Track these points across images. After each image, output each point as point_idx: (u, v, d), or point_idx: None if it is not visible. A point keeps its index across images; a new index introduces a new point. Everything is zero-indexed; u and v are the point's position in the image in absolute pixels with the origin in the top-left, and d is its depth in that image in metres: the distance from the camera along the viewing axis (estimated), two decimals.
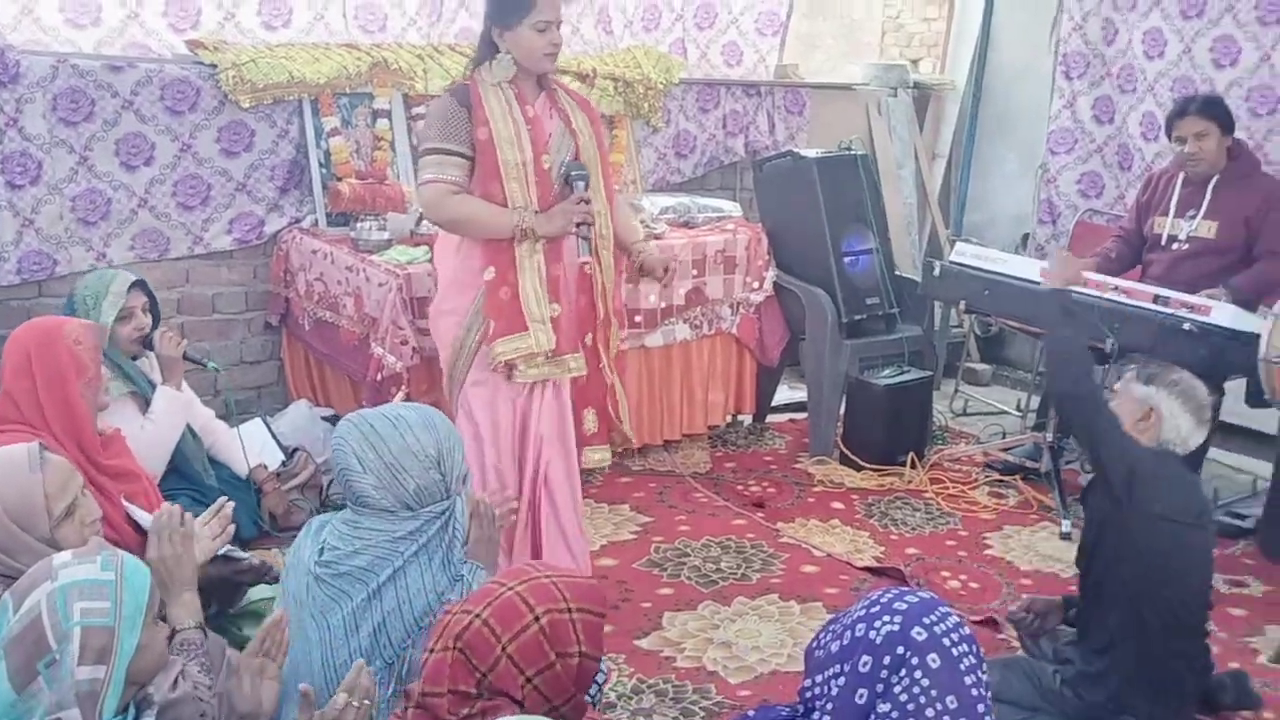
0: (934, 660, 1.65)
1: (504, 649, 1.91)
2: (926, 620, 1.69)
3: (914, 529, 4.34)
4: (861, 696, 1.68)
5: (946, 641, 1.67)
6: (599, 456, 3.48)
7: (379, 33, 4.90)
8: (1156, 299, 4.14)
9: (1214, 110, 4.36)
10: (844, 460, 4.90)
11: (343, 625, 2.23)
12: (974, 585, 3.90)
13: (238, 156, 4.52)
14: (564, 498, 3.39)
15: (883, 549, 4.14)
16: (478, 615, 1.94)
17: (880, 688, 1.66)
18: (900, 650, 1.66)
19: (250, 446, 3.96)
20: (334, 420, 4.31)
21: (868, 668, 1.68)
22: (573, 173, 3.22)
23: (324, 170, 4.63)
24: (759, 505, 4.45)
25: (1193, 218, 4.48)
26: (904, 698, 1.64)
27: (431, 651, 1.97)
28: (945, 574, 3.97)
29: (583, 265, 3.26)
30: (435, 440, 2.31)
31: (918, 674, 1.65)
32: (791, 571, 3.92)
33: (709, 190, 5.77)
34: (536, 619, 1.94)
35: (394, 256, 4.16)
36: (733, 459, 4.98)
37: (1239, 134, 4.57)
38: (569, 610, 1.95)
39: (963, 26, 6.72)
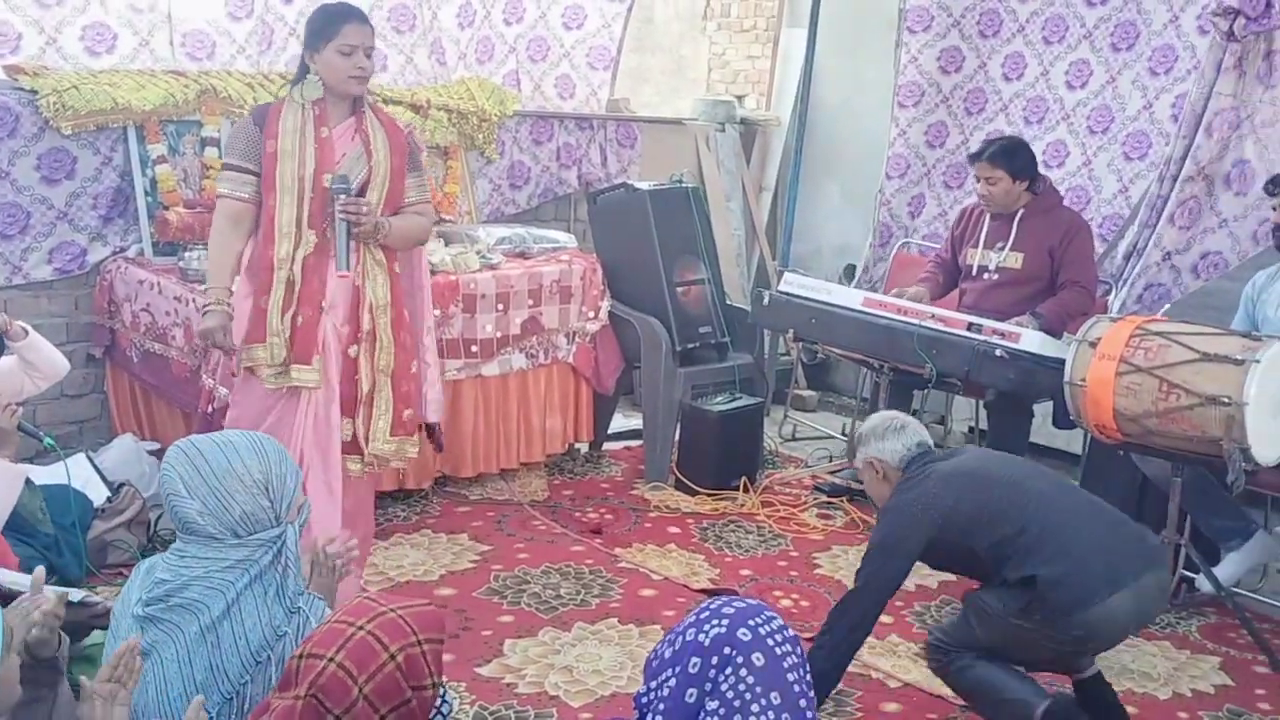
0: (758, 659, 1.73)
1: (361, 691, 1.89)
2: (752, 622, 1.77)
3: (747, 551, 4.46)
4: (691, 696, 1.75)
5: (770, 642, 1.75)
6: (351, 466, 3.51)
7: (207, 60, 4.83)
8: (970, 326, 4.36)
9: (1002, 160, 4.61)
10: (679, 486, 5.00)
11: (176, 660, 2.17)
12: (805, 604, 4.02)
13: (59, 184, 4.39)
14: (318, 506, 3.33)
15: (718, 571, 4.23)
16: (331, 659, 1.91)
17: (709, 686, 1.73)
18: (727, 650, 1.74)
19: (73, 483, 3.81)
20: (161, 454, 4.19)
21: (697, 669, 1.76)
22: (334, 186, 3.33)
23: (150, 198, 4.52)
24: (597, 532, 4.50)
25: (1001, 249, 4.74)
26: (730, 694, 1.72)
27: (278, 696, 1.94)
28: (778, 594, 4.08)
29: (340, 278, 3.38)
30: (263, 466, 2.27)
31: (743, 672, 1.73)
32: (630, 595, 3.98)
33: (543, 221, 5.84)
34: (392, 657, 1.93)
35: None
36: (570, 486, 5.03)
37: (1075, 148, 4.90)
38: (419, 643, 1.95)
39: (786, 64, 6.97)
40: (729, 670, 1.74)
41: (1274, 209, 4.01)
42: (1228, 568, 4.05)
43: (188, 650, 2.18)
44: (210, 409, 3.86)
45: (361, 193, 3.37)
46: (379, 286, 3.44)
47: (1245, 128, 4.56)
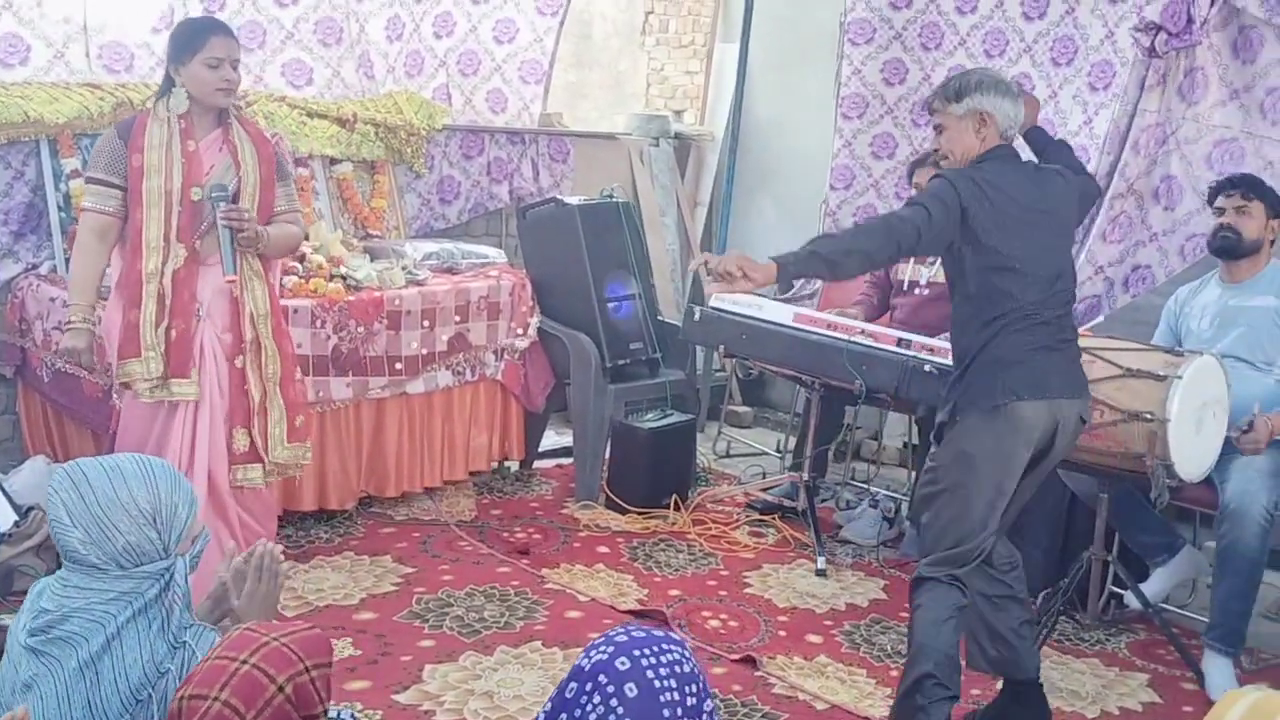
0: (631, 689, 1.67)
1: None
2: (636, 652, 1.71)
3: (677, 570, 4.40)
4: None
5: (651, 674, 1.69)
6: (250, 475, 3.57)
7: (125, 73, 4.71)
8: (900, 342, 4.34)
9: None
10: (609, 504, 4.94)
11: (55, 696, 2.07)
12: (734, 624, 3.98)
13: None
14: (206, 519, 3.36)
15: (646, 592, 4.18)
16: (216, 698, 1.84)
17: (578, 713, 1.67)
18: (601, 678, 1.68)
19: None
20: None
21: (572, 693, 1.70)
22: (213, 194, 3.39)
23: (63, 214, 4.39)
24: (524, 552, 4.43)
25: (932, 264, 4.73)
26: None
27: None
28: (706, 614, 4.03)
29: (228, 283, 3.43)
30: (152, 495, 2.15)
31: (614, 702, 1.66)
32: (555, 618, 3.91)
33: (474, 237, 5.77)
34: (280, 688, 1.87)
35: None
36: (499, 506, 4.95)
37: None
38: (307, 670, 1.89)
39: (720, 80, 6.96)
40: (599, 699, 1.68)
41: (1219, 210, 3.98)
42: (1156, 584, 4.05)
43: (66, 686, 2.07)
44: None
45: (198, 208, 3.42)
46: (258, 296, 3.53)
47: (1170, 144, 4.58)
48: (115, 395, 3.79)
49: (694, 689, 1.75)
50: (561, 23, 6.00)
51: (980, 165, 3.10)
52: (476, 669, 3.52)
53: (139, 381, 3.40)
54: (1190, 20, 4.26)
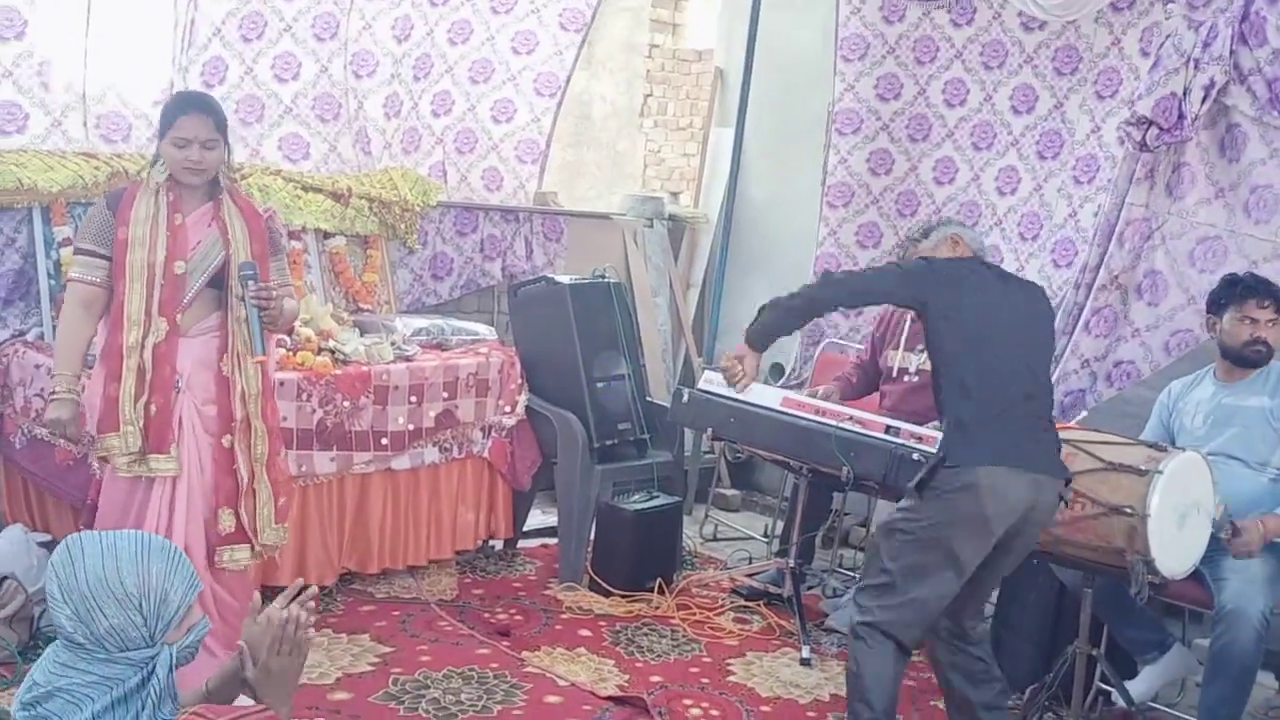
0: None
1: None
2: None
3: (659, 656, 4.34)
4: None
5: None
6: (237, 556, 3.53)
7: (123, 142, 4.75)
8: (888, 429, 4.32)
9: None
10: (593, 586, 4.88)
11: None
12: (715, 713, 3.91)
13: None
14: None
15: (627, 677, 4.11)
16: None
17: None
18: None
19: None
20: (51, 546, 4.02)
21: None
22: (243, 273, 3.38)
23: (53, 282, 4.40)
24: (505, 634, 4.37)
25: (921, 351, 4.72)
26: None
27: None
28: (688, 701, 3.97)
29: (258, 363, 3.43)
30: (140, 579, 2.06)
31: None
32: (534, 702, 3.84)
33: (466, 313, 5.77)
34: None
35: None
36: (481, 585, 4.89)
37: (1008, 254, 5.18)
38: None
39: (715, 163, 7.02)
40: None
41: (1249, 320, 3.90)
42: (1144, 682, 3.99)
43: None
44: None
45: (182, 282, 3.40)
46: (250, 375, 3.49)
47: (1156, 238, 4.61)
48: (94, 465, 3.77)
49: None
50: (559, 104, 6.08)
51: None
52: None
53: (118, 456, 3.37)
54: (1182, 116, 4.31)
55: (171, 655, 2.11)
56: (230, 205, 3.50)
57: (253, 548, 3.54)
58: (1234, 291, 3.96)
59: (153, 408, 3.37)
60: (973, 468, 3.05)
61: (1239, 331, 3.93)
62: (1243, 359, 3.95)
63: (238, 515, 3.49)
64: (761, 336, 3.47)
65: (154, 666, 2.09)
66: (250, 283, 3.37)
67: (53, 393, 3.43)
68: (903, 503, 3.25)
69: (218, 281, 3.45)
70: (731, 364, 3.55)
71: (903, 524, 3.14)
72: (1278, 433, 3.85)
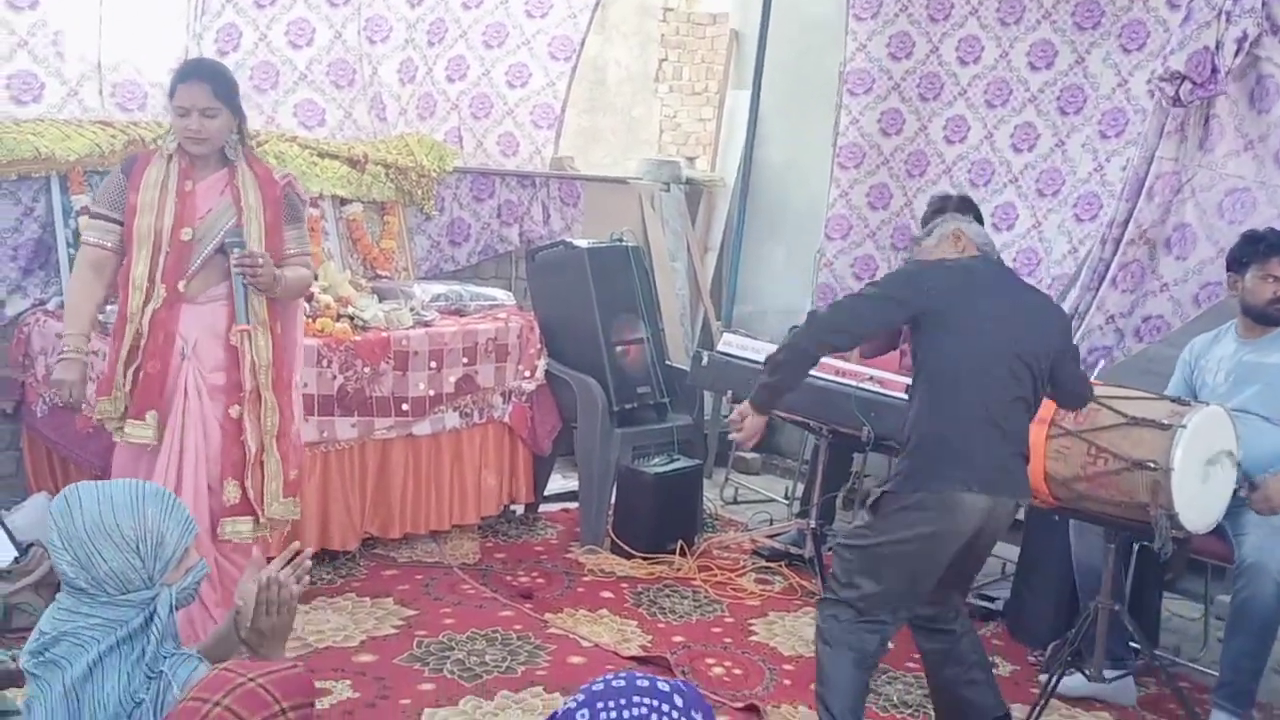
0: None
1: None
2: (600, 704, 1.63)
3: (681, 617, 4.35)
4: None
5: None
6: (240, 529, 3.47)
7: (138, 111, 4.76)
8: (908, 389, 4.30)
9: (968, 210, 4.58)
10: (614, 549, 4.89)
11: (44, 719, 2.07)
12: (738, 672, 3.92)
13: None
14: None
15: (650, 638, 4.13)
16: None
17: None
18: None
19: None
20: None
21: None
22: (227, 241, 3.35)
23: (72, 250, 4.40)
24: (527, 596, 4.39)
25: None
26: None
27: None
28: (710, 661, 3.98)
29: (231, 334, 3.38)
30: (137, 523, 2.14)
31: None
32: (558, 663, 3.87)
33: (483, 279, 5.77)
34: None
35: None
36: (503, 549, 4.91)
37: (1024, 210, 5.10)
38: (283, 712, 1.85)
39: (732, 127, 6.98)
40: None
41: (1273, 277, 3.87)
42: (1079, 683, 3.88)
43: (52, 711, 2.07)
44: None
45: (188, 249, 3.36)
46: (261, 346, 3.44)
47: (1185, 192, 4.57)
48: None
49: None
50: (574, 68, 6.04)
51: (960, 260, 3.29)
52: (477, 713, 3.48)
53: (109, 420, 3.38)
54: (1215, 69, 4.25)
55: (171, 596, 2.20)
56: (246, 172, 3.44)
57: (257, 520, 3.47)
58: (1256, 250, 3.91)
59: (141, 373, 3.35)
60: (926, 493, 3.00)
61: (1261, 290, 3.89)
62: (1265, 317, 3.91)
63: (244, 487, 3.44)
64: (767, 404, 3.28)
65: (155, 607, 2.17)
66: (235, 250, 3.33)
67: (60, 353, 3.42)
68: (859, 520, 3.22)
69: (221, 244, 3.39)
70: (735, 423, 3.35)
71: (860, 542, 3.11)
72: None
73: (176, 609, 2.19)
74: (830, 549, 4.94)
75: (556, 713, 1.67)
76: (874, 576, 3.06)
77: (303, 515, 3.79)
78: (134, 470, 3.36)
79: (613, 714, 1.62)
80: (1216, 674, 3.77)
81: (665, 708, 1.66)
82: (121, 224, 3.37)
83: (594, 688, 1.66)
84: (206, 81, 3.35)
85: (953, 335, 3.07)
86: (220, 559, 3.46)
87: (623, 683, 1.67)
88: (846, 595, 3.09)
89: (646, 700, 1.66)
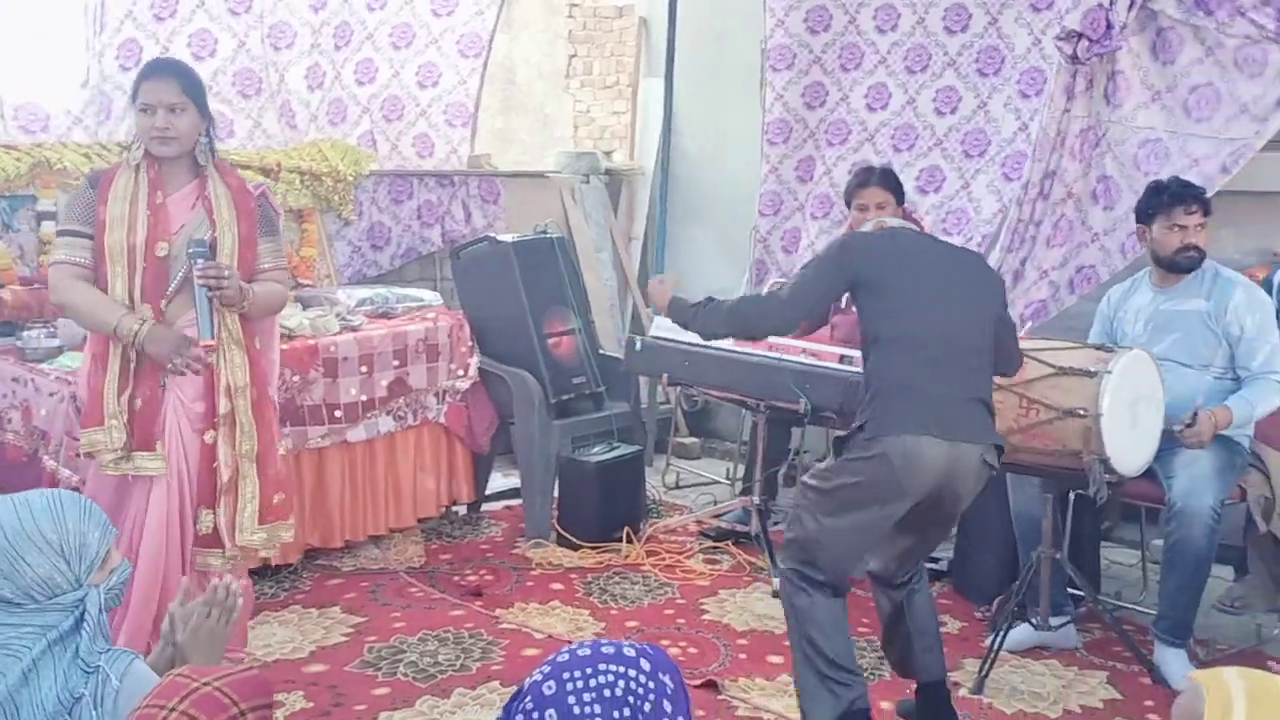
0: (551, 716, 1.59)
1: None
2: (566, 675, 1.62)
3: (633, 602, 4.36)
4: None
5: (573, 700, 1.60)
6: (210, 560, 3.28)
7: (41, 132, 4.64)
8: (842, 359, 4.36)
9: (892, 182, 4.65)
10: (561, 541, 4.88)
11: None
12: (693, 650, 3.93)
13: None
14: (138, 598, 3.14)
15: (604, 625, 4.12)
16: None
17: None
18: (528, 701, 1.61)
19: None
20: None
21: (505, 714, 1.64)
22: (190, 250, 3.15)
23: None
24: (477, 594, 4.36)
25: None
26: None
27: None
28: (665, 642, 3.98)
29: (204, 349, 3.17)
30: (59, 526, 2.13)
31: None
32: (512, 657, 3.85)
33: (408, 282, 5.71)
34: None
35: (65, 363, 3.89)
36: (449, 550, 4.88)
37: (951, 172, 5.11)
38: (242, 714, 1.83)
39: (647, 115, 6.99)
40: None
41: (1179, 227, 3.93)
42: (1023, 634, 3.96)
43: None
44: None
45: (164, 265, 3.18)
46: (236, 366, 3.26)
47: (1103, 146, 4.66)
48: (46, 457, 3.70)
49: (625, 713, 1.62)
50: (485, 64, 6.02)
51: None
52: (434, 713, 3.45)
53: (103, 453, 3.16)
54: (1110, 26, 4.34)
55: (100, 595, 2.18)
56: (218, 183, 3.27)
57: (224, 551, 3.28)
58: (1160, 200, 3.98)
59: (138, 401, 3.17)
60: (886, 437, 3.00)
61: (1169, 240, 3.96)
62: (1175, 265, 3.98)
63: (215, 515, 3.27)
64: (680, 316, 3.38)
65: (84, 607, 2.16)
66: (199, 260, 3.12)
67: (136, 333, 3.12)
68: (822, 463, 3.25)
69: (187, 251, 3.18)
70: (654, 288, 3.51)
71: (820, 483, 3.13)
72: (1216, 334, 3.91)
73: (105, 610, 2.17)
74: (777, 523, 5.05)
75: (523, 687, 1.66)
76: (828, 516, 3.07)
77: (274, 555, 3.63)
78: (120, 503, 3.19)
79: (579, 684, 1.61)
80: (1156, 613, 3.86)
81: (632, 673, 1.65)
82: (93, 238, 3.17)
83: (559, 659, 1.64)
84: (173, 76, 3.20)
85: (896, 292, 3.12)
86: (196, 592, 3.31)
87: (588, 651, 1.66)
88: (803, 533, 3.12)
89: (613, 667, 1.65)
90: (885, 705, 3.52)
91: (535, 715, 1.57)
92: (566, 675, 1.61)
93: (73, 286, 3.17)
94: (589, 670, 1.62)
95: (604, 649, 1.70)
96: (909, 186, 5.39)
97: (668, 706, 1.64)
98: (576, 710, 1.57)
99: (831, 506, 3.08)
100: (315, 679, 3.64)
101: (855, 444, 3.07)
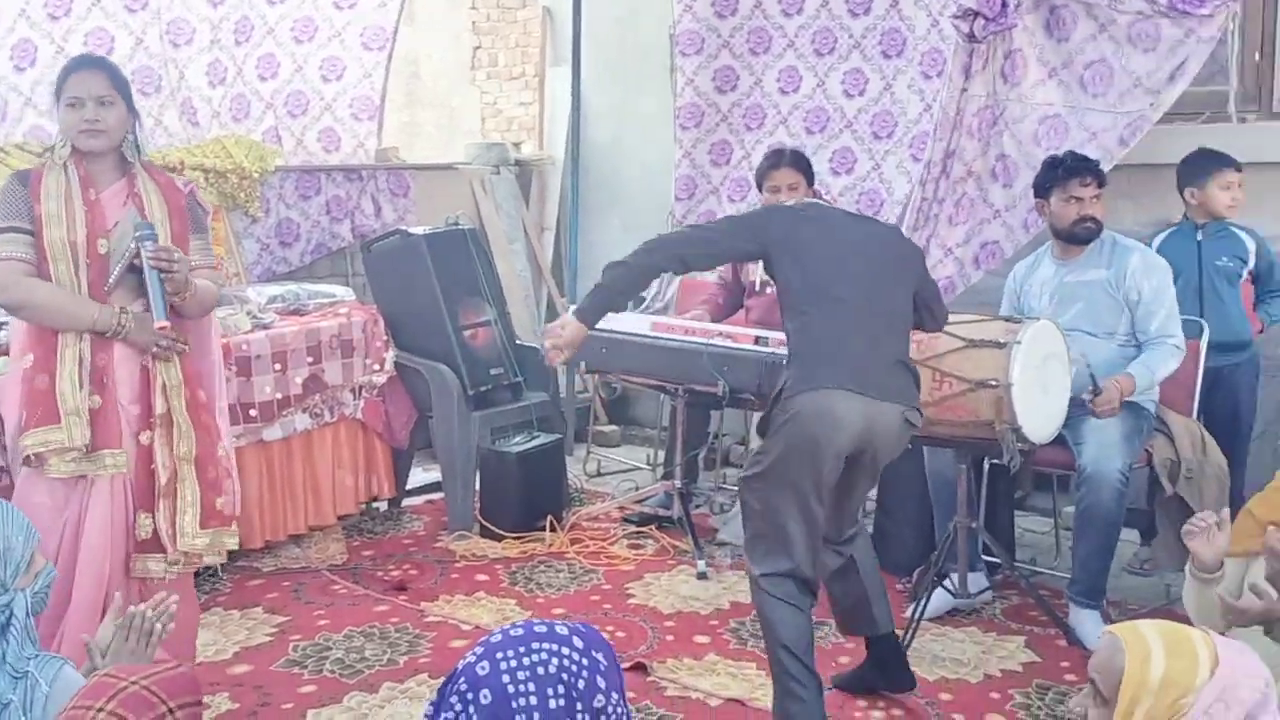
0: (485, 696, 1.59)
1: None
2: (500, 655, 1.63)
3: (559, 589, 4.36)
4: None
5: (507, 679, 1.61)
6: (150, 565, 3.15)
7: None
8: (758, 340, 4.41)
9: (803, 163, 4.70)
10: (484, 533, 4.87)
11: None
12: (621, 634, 3.95)
13: None
14: (82, 602, 3.04)
15: (530, 614, 4.12)
16: None
17: (446, 713, 1.61)
18: (462, 682, 1.62)
19: None
20: None
21: (438, 697, 1.64)
22: (138, 232, 3.04)
23: None
24: (401, 589, 4.33)
25: None
26: None
27: None
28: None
29: (159, 330, 3.07)
30: None
31: (471, 709, 1.59)
32: (439, 649, 3.83)
33: (319, 278, 5.64)
34: None
35: None
36: (371, 546, 4.84)
37: (861, 153, 5.21)
38: (171, 712, 1.81)
39: (555, 105, 6.99)
40: (458, 703, 1.61)
41: (1075, 199, 4.03)
42: (941, 600, 4.05)
43: None
44: None
45: (105, 263, 3.07)
46: (170, 365, 3.15)
47: (1000, 124, 4.75)
48: None
49: (559, 690, 1.64)
50: (389, 57, 5.96)
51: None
52: (363, 708, 3.43)
53: (55, 454, 2.99)
54: (1005, 4, 4.42)
55: (26, 599, 2.17)
56: (146, 180, 3.17)
57: (167, 556, 3.14)
58: (1056, 174, 4.08)
59: (96, 399, 3.05)
60: (800, 395, 3.03)
61: (1066, 212, 4.07)
62: (1074, 237, 4.09)
63: (154, 520, 3.12)
64: (594, 313, 3.27)
65: (11, 611, 2.15)
66: (148, 243, 3.02)
67: (119, 323, 3.03)
68: (753, 448, 3.28)
69: (136, 235, 3.05)
70: (553, 333, 3.30)
71: (754, 469, 3.16)
72: (1118, 301, 4.02)
73: (31, 615, 2.15)
74: (699, 506, 5.10)
75: (456, 669, 1.66)
76: (770, 493, 3.10)
77: (220, 561, 3.52)
78: (62, 506, 3.05)
79: (513, 663, 1.61)
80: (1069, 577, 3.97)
81: (566, 650, 1.66)
82: (32, 233, 3.03)
83: (492, 640, 1.65)
84: (101, 70, 3.10)
85: (814, 256, 3.15)
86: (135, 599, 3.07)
87: (521, 631, 1.67)
88: (759, 527, 3.14)
89: (546, 645, 1.66)
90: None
91: (470, 696, 1.58)
92: (500, 655, 1.62)
93: (32, 284, 3.03)
94: (522, 649, 1.63)
95: (536, 628, 1.71)
96: (823, 169, 5.47)
97: (601, 683, 1.66)
98: (511, 689, 1.58)
99: (770, 485, 3.10)
100: (240, 680, 3.60)
101: (776, 411, 3.09)
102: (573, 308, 3.31)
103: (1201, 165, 4.35)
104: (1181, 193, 4.39)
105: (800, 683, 3.06)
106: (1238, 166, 4.30)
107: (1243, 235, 4.35)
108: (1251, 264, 4.35)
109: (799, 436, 3.03)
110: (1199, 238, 4.34)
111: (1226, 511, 2.79)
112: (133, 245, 3.04)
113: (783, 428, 3.05)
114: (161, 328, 3.07)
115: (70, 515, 3.08)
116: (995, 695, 3.52)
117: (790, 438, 3.04)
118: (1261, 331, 4.43)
